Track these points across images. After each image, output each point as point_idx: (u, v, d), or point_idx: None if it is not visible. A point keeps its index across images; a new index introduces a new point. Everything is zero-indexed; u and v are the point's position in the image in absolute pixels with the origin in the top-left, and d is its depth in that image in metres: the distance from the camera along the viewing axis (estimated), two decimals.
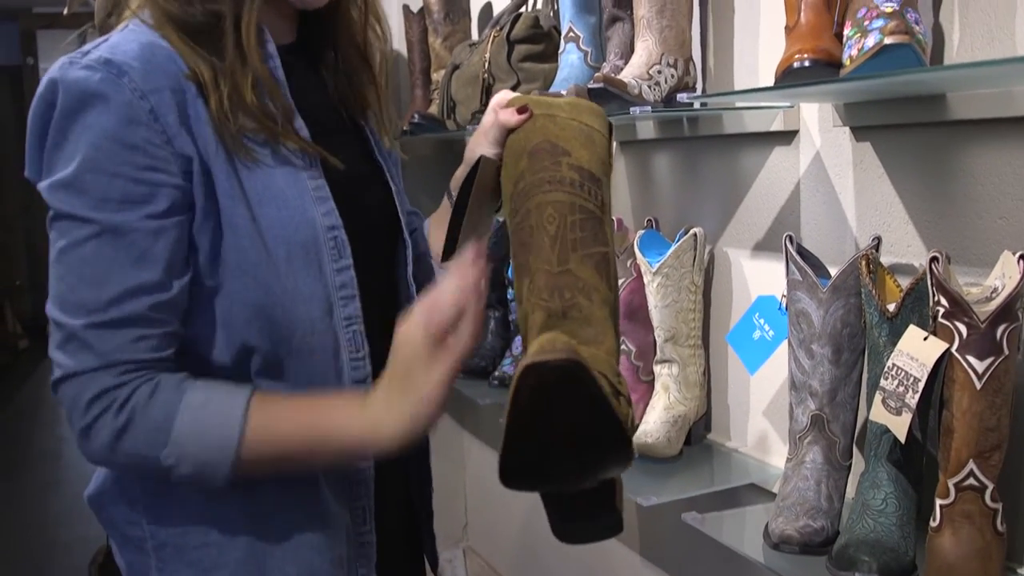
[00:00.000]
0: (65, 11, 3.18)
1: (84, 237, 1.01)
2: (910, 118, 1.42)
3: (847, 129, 1.55)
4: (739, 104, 1.68)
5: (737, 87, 1.78)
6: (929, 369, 1.19)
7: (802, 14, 1.34)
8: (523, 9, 2.29)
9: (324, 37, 1.24)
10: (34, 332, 8.90)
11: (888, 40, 1.10)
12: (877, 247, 1.44)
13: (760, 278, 1.78)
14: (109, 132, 1.01)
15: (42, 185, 1.04)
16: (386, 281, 1.27)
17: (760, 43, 1.71)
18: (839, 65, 1.27)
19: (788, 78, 1.27)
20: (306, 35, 1.24)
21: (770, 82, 1.67)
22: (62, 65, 1.04)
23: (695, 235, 1.79)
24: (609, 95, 1.56)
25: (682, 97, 1.55)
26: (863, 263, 1.36)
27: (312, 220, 1.10)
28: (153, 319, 1.02)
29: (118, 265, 1.01)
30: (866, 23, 1.19)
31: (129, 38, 1.07)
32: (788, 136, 1.66)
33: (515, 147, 1.08)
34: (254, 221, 1.06)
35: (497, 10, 2.67)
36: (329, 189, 1.13)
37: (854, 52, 1.16)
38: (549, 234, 0.99)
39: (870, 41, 1.12)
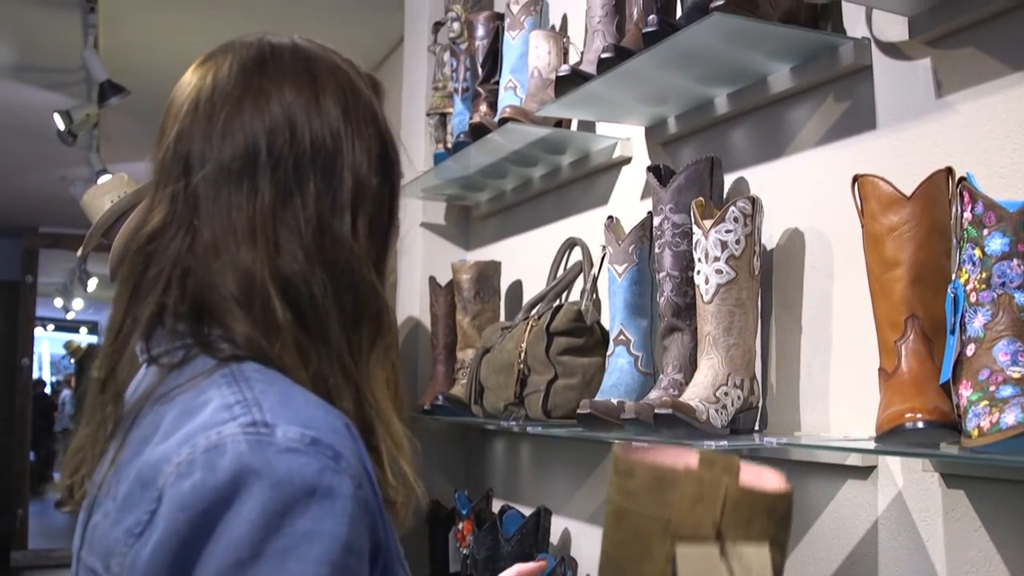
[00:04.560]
0: (79, 252, 3.12)
1: None
2: (1017, 475, 1.28)
3: (936, 475, 1.41)
4: (807, 441, 1.55)
5: (803, 406, 1.65)
6: None
7: (903, 360, 1.23)
8: (561, 300, 2.20)
9: None
10: None
11: None
12: None
13: None
14: (341, 538, 0.76)
15: None
16: None
17: (832, 362, 1.60)
18: (953, 425, 1.14)
19: (898, 438, 1.14)
20: None
21: (843, 402, 1.57)
22: (251, 447, 0.77)
23: None
24: (678, 422, 1.43)
25: (770, 442, 1.42)
26: None
27: None
28: None
29: None
30: (992, 389, 1.08)
31: (292, 396, 0.83)
32: (864, 471, 1.52)
33: None
34: None
35: (527, 290, 2.61)
36: None
37: (984, 424, 1.04)
38: None
39: (1009, 418, 1.00)
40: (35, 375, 10.68)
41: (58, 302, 12.12)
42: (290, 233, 0.88)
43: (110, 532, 0.81)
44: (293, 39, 0.97)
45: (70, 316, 13.39)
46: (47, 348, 14.41)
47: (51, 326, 14.07)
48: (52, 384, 14.23)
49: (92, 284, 8.56)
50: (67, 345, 14.10)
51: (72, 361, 13.74)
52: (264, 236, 0.87)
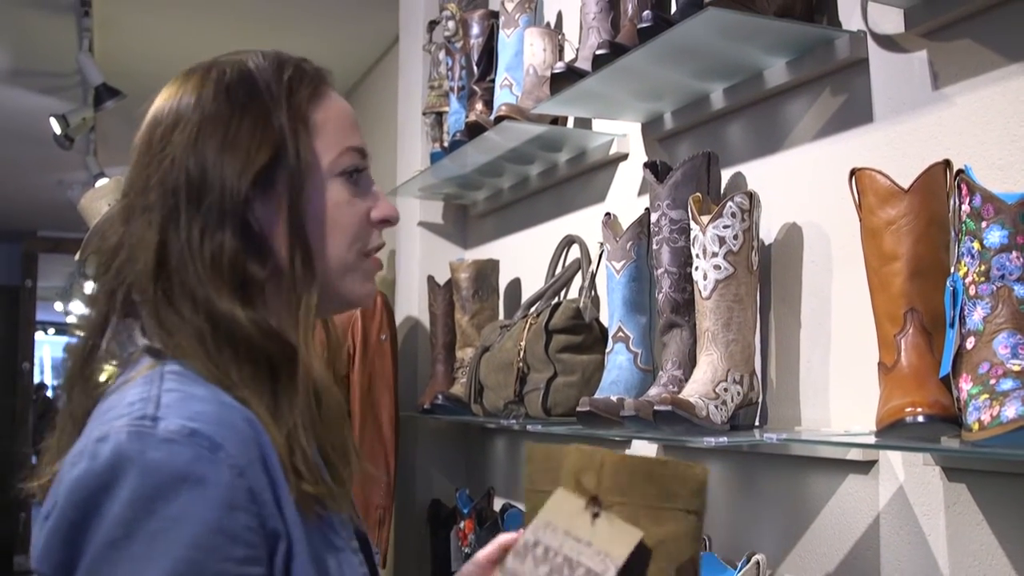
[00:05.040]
0: (78, 256, 3.12)
1: None
2: (1018, 468, 1.28)
3: (937, 468, 1.40)
4: (808, 437, 1.55)
5: (803, 401, 1.65)
6: None
7: (903, 355, 1.22)
8: (559, 297, 2.20)
9: None
10: None
11: None
12: None
13: None
14: (211, 523, 0.81)
15: None
16: None
17: (831, 357, 1.60)
18: (954, 419, 1.14)
19: (898, 432, 1.14)
20: None
21: (843, 397, 1.57)
22: (130, 437, 0.83)
23: (758, 563, 1.61)
24: (677, 418, 1.43)
25: (770, 437, 1.41)
26: None
27: None
28: None
29: None
30: (992, 382, 1.07)
31: (194, 394, 0.88)
32: (865, 466, 1.52)
33: None
34: None
35: (525, 288, 2.60)
36: None
37: (985, 418, 1.03)
38: None
39: (1010, 412, 1.00)
40: (36, 379, 10.70)
41: (58, 306, 12.12)
42: (179, 256, 0.94)
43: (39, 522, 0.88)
44: (217, 61, 1.03)
45: (71, 319, 13.38)
46: (48, 352, 14.41)
47: (52, 330, 14.07)
48: (53, 388, 14.24)
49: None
50: (67, 348, 14.11)
51: None
52: (167, 257, 0.95)
